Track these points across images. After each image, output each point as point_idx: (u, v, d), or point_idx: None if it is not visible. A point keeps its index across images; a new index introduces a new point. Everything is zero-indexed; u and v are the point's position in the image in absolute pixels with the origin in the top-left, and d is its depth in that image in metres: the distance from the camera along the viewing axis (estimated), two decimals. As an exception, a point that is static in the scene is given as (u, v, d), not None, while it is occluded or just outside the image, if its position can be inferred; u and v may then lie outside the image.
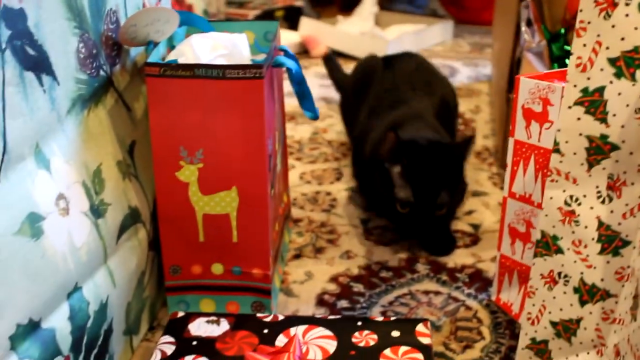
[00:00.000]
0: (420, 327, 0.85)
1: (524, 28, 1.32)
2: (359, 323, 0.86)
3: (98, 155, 0.80)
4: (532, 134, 0.88)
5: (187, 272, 0.94)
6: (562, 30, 1.35)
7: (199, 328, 0.85)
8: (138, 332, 0.90)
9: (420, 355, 0.80)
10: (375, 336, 0.83)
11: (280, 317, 0.87)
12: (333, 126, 1.66)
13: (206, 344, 0.82)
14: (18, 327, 0.64)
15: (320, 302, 1.00)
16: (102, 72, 0.82)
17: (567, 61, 1.33)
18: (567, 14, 1.34)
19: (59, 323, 0.71)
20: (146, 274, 0.90)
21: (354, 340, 0.82)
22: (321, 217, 1.24)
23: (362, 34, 2.28)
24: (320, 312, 0.97)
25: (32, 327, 0.66)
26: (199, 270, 0.94)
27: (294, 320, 0.87)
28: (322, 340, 0.82)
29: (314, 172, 1.42)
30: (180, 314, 0.88)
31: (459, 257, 1.11)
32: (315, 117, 0.98)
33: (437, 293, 1.02)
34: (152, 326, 0.94)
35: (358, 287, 1.03)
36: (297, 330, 0.84)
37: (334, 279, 1.05)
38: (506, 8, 1.44)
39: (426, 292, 1.02)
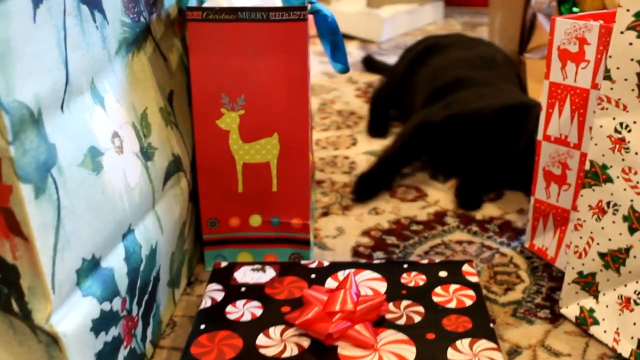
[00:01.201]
0: (466, 267, 0.85)
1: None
2: (405, 266, 0.86)
3: (143, 99, 0.79)
4: (568, 75, 0.89)
5: (225, 225, 0.93)
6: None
7: (245, 276, 0.85)
8: (179, 285, 0.89)
9: (471, 292, 0.80)
10: (423, 276, 0.83)
11: (326, 263, 0.87)
12: (339, 97, 1.66)
13: (255, 290, 0.82)
14: (83, 261, 0.63)
15: (356, 253, 1.00)
16: (142, 19, 0.81)
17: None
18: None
19: (116, 263, 0.70)
20: (187, 226, 0.90)
21: (403, 281, 0.83)
22: (343, 179, 1.24)
23: (357, 13, 2.28)
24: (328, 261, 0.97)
25: (94, 265, 0.65)
26: (237, 223, 0.94)
27: (340, 265, 0.87)
28: (371, 282, 0.82)
29: (328, 139, 1.42)
30: (224, 263, 0.88)
31: (486, 210, 1.12)
32: (346, 70, 0.98)
33: (470, 242, 1.02)
34: (190, 281, 0.94)
35: (391, 240, 1.03)
36: (345, 273, 0.84)
37: (365, 233, 1.05)
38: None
39: (459, 242, 1.02)
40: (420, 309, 0.77)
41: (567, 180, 0.93)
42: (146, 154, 0.77)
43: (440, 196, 1.16)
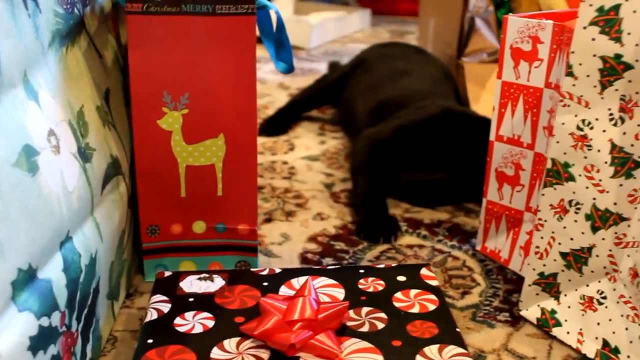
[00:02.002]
0: (424, 271, 0.82)
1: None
2: (361, 271, 0.82)
3: (79, 96, 0.72)
4: (521, 74, 0.88)
5: (166, 232, 0.87)
6: (505, -2, 1.37)
7: (192, 285, 0.79)
8: (118, 298, 0.82)
9: (432, 296, 0.77)
10: (381, 282, 0.80)
11: (278, 270, 0.82)
12: (272, 103, 1.61)
13: (204, 300, 0.76)
14: (19, 272, 0.56)
15: (305, 260, 0.95)
16: (76, 10, 0.74)
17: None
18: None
19: (54, 274, 0.63)
20: (126, 233, 0.83)
21: (360, 286, 0.79)
22: (283, 184, 1.19)
23: (286, 20, 2.24)
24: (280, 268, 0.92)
25: (30, 276, 0.58)
26: (179, 230, 0.87)
27: (293, 272, 0.82)
28: (328, 289, 0.78)
29: (265, 144, 1.37)
30: (168, 273, 0.81)
31: (434, 214, 1.10)
32: (291, 69, 0.94)
33: (420, 246, 1.00)
34: (129, 293, 0.87)
35: (339, 245, 0.99)
36: (299, 280, 0.79)
37: (312, 239, 1.01)
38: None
39: (410, 246, 1.00)
40: (383, 315, 0.73)
41: (520, 180, 0.92)
42: (84, 154, 0.70)
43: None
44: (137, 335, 0.74)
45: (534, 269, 0.80)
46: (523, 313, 0.83)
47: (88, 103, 0.74)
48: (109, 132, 0.79)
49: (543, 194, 0.77)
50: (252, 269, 0.83)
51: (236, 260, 0.90)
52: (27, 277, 0.58)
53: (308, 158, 1.30)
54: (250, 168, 0.85)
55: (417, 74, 1.31)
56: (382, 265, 0.84)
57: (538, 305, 0.82)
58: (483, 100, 1.33)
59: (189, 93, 0.80)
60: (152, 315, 0.73)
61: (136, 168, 0.83)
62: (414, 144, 1.12)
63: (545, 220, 0.78)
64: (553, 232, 0.77)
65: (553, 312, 0.79)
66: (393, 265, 0.84)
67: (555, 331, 0.79)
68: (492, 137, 0.93)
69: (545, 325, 0.80)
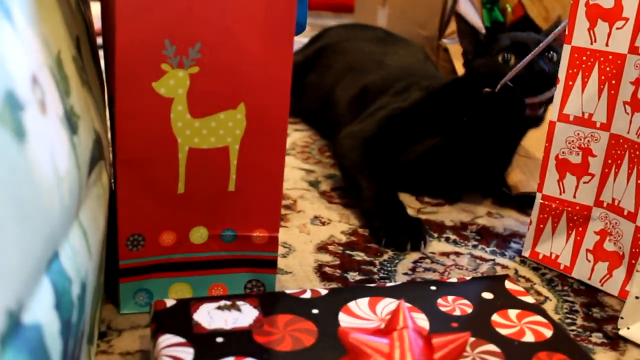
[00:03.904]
0: (510, 285, 0.63)
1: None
2: (433, 287, 0.61)
3: (54, 36, 0.47)
4: (599, 37, 0.72)
5: (153, 244, 0.62)
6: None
7: (213, 319, 0.55)
8: (93, 340, 0.56)
9: (539, 318, 0.58)
10: (466, 301, 0.60)
11: (323, 292, 0.60)
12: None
13: (239, 339, 0.52)
14: (9, 316, 0.31)
15: (324, 276, 0.73)
16: None
17: (496, 7, 1.21)
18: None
19: (44, 314, 0.38)
20: (104, 247, 0.57)
21: (442, 309, 0.58)
22: (258, 183, 0.96)
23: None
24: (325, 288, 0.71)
25: (16, 320, 0.33)
26: (171, 240, 0.63)
27: (344, 292, 0.60)
28: (403, 314, 0.56)
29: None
30: (170, 302, 0.57)
31: (452, 215, 0.92)
32: (301, 29, 0.72)
33: (457, 254, 0.80)
34: (102, 331, 0.61)
35: (359, 255, 0.78)
36: (358, 303, 0.58)
37: (321, 249, 0.79)
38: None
39: (444, 254, 0.80)
40: (494, 347, 0.53)
41: (589, 169, 0.75)
42: (71, 122, 0.45)
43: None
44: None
45: (645, 277, 0.63)
46: (623, 332, 0.66)
47: (64, 49, 0.49)
48: (88, 95, 0.53)
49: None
50: (287, 292, 0.60)
51: (246, 279, 0.66)
52: (13, 323, 0.33)
53: (298, 168, 1.07)
54: (277, 153, 0.62)
55: (399, 55, 1.12)
56: (454, 280, 0.64)
57: (645, 323, 0.65)
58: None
59: (201, 43, 0.56)
60: (169, 366, 0.49)
61: (116, 151, 0.58)
62: (403, 130, 0.94)
63: (670, 214, 0.61)
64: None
65: (676, 331, 0.63)
66: (467, 278, 0.64)
67: (685, 355, 0.62)
68: (553, 117, 0.76)
69: (667, 348, 0.63)
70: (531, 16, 1.17)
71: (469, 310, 0.58)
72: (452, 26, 1.21)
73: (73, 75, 0.49)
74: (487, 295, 0.61)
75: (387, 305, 0.58)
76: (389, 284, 0.62)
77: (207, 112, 0.59)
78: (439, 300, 0.59)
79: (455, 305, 0.59)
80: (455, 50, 1.19)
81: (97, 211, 0.52)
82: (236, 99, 0.59)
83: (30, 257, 0.35)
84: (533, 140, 0.96)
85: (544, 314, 0.59)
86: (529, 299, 0.61)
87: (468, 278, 0.64)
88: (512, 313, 0.58)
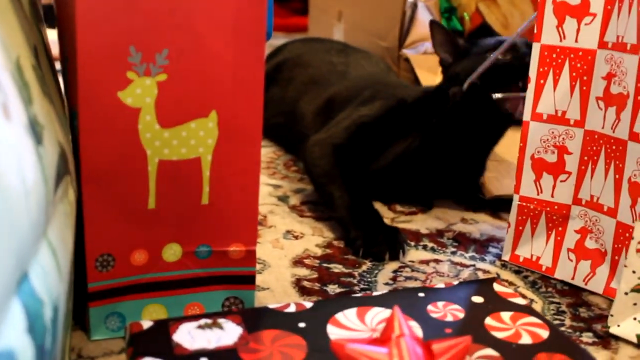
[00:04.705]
0: (498, 287, 0.61)
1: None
2: (421, 294, 0.59)
3: (12, 39, 0.44)
4: (567, 34, 0.71)
5: (124, 264, 0.58)
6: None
7: (194, 338, 0.51)
8: (63, 371, 0.52)
9: (533, 319, 0.56)
10: (457, 306, 0.57)
11: (308, 304, 0.57)
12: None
13: (225, 358, 0.49)
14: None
15: (303, 290, 0.70)
16: None
17: (454, 16, 1.21)
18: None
19: (16, 338, 0.34)
20: (72, 267, 0.53)
21: (434, 315, 0.56)
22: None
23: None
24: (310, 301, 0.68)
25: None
26: (143, 259, 0.59)
27: (330, 304, 0.57)
28: (393, 323, 0.54)
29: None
30: (146, 324, 0.53)
31: (427, 222, 0.90)
32: (268, 37, 0.69)
33: (437, 261, 0.78)
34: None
35: (337, 267, 0.76)
36: (346, 314, 0.55)
37: (297, 262, 0.76)
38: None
39: (424, 262, 0.78)
40: (491, 351, 0.51)
41: (565, 167, 0.74)
42: (35, 131, 0.42)
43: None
44: None
45: (634, 272, 0.62)
46: (614, 330, 0.64)
47: (23, 56, 0.45)
48: (50, 106, 0.50)
49: (654, 172, 0.59)
50: (270, 306, 0.57)
51: (223, 297, 0.63)
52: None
53: (269, 185, 1.03)
54: (252, 162, 0.59)
55: (361, 65, 1.11)
56: (442, 285, 0.61)
57: (635, 319, 0.63)
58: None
59: (168, 49, 0.53)
60: (151, 392, 0.45)
61: (81, 167, 0.55)
62: (373, 137, 0.93)
63: (654, 207, 0.60)
64: (664, 221, 0.60)
65: (667, 325, 0.62)
66: (455, 283, 0.62)
67: (677, 349, 0.61)
68: (526, 116, 0.75)
69: (657, 342, 0.62)
70: (489, 23, 1.18)
71: (461, 315, 0.56)
72: (413, 36, 1.20)
73: (34, 84, 0.46)
74: (477, 299, 0.59)
75: (376, 314, 0.55)
76: (375, 293, 0.60)
77: (177, 121, 0.56)
78: (429, 307, 0.57)
79: (447, 311, 0.57)
80: (417, 59, 1.18)
81: (65, 230, 0.48)
82: (207, 107, 0.56)
83: (1, 277, 0.31)
84: (502, 144, 0.95)
85: (537, 314, 0.57)
86: (520, 301, 0.59)
87: (455, 283, 0.62)
88: (505, 315, 0.57)
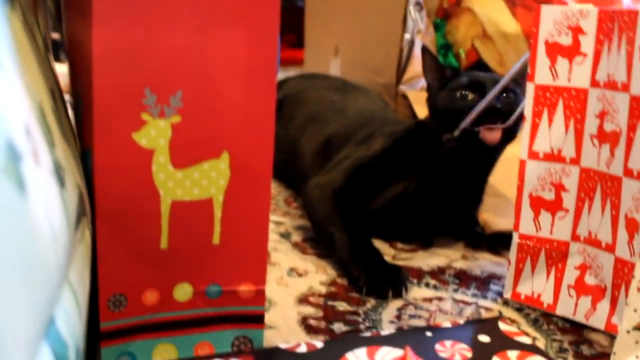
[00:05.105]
0: (504, 326, 0.62)
1: (413, 13, 1.20)
2: (429, 333, 0.60)
3: (34, 84, 0.45)
4: (560, 74, 0.74)
5: (136, 304, 0.59)
6: (438, 20, 1.26)
7: (207, 379, 0.52)
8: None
9: (540, 358, 0.57)
10: (464, 345, 0.58)
11: (319, 344, 0.57)
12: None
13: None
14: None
15: (310, 329, 0.71)
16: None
17: (450, 53, 1.23)
18: (444, 1, 1.25)
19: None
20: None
21: (442, 355, 0.57)
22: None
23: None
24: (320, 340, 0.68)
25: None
26: (155, 298, 0.60)
27: (339, 343, 0.58)
28: (404, 362, 0.55)
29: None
30: (159, 365, 0.54)
31: (428, 259, 0.91)
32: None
33: (439, 299, 0.79)
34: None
35: (341, 305, 0.76)
36: (357, 354, 0.56)
37: (303, 301, 0.77)
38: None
39: (427, 300, 0.79)
40: (501, 391, 0.52)
41: (563, 205, 0.76)
42: (59, 175, 0.43)
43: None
44: None
45: (635, 310, 0.63)
46: (617, 367, 0.65)
47: (44, 99, 0.47)
48: (68, 148, 0.51)
49: (654, 211, 0.61)
50: (281, 346, 0.58)
51: (233, 336, 0.63)
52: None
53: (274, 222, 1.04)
54: (262, 202, 0.60)
55: (359, 102, 1.13)
56: (448, 324, 0.62)
57: (637, 357, 0.64)
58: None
59: (182, 91, 0.55)
60: None
61: (96, 207, 0.55)
62: (371, 178, 0.95)
63: (655, 245, 0.62)
64: (665, 259, 0.61)
65: (670, 361, 0.63)
66: (461, 322, 0.63)
67: (680, 387, 0.62)
68: (523, 155, 0.77)
69: (662, 380, 0.63)
70: (485, 60, 1.20)
71: (469, 354, 0.57)
72: (410, 72, 1.23)
73: (54, 126, 0.47)
74: (484, 338, 0.60)
75: (386, 354, 0.56)
76: (383, 333, 0.60)
77: (190, 162, 0.57)
78: (437, 346, 0.58)
79: (454, 350, 0.57)
80: (415, 96, 1.20)
81: (84, 271, 0.49)
82: (219, 148, 0.57)
83: (35, 323, 0.32)
84: (500, 178, 0.96)
85: (543, 353, 0.58)
86: (526, 339, 0.60)
87: (461, 322, 0.63)
88: (512, 354, 0.57)
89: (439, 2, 1.23)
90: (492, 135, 0.86)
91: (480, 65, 1.20)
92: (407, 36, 1.21)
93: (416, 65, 1.21)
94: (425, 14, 1.21)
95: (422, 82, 1.22)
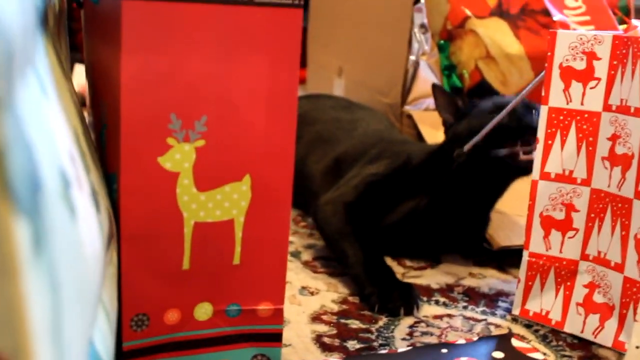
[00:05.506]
0: (517, 343, 0.64)
1: (418, 35, 1.22)
2: (444, 350, 0.61)
3: (69, 109, 0.46)
4: (573, 97, 0.75)
5: (158, 323, 0.60)
6: (442, 42, 1.28)
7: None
8: None
9: (554, 373, 0.58)
10: (480, 361, 0.60)
11: (337, 361, 0.59)
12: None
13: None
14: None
15: (325, 346, 0.72)
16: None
17: (454, 74, 1.26)
18: (448, 23, 1.27)
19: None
20: (112, 328, 0.55)
21: (459, 371, 0.58)
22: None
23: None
24: (337, 357, 0.70)
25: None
26: (176, 318, 0.61)
27: (358, 361, 0.59)
28: (421, 379, 0.56)
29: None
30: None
31: (437, 277, 0.92)
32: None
33: (449, 316, 0.81)
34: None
35: (354, 323, 0.78)
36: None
37: (316, 319, 0.78)
38: (395, 13, 1.31)
39: (437, 317, 0.80)
40: (519, 407, 0.53)
41: (573, 224, 0.78)
42: (95, 199, 0.44)
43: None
44: None
45: (646, 326, 0.65)
46: (627, 384, 0.67)
47: (77, 124, 0.48)
48: (98, 173, 0.52)
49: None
50: (301, 364, 0.59)
51: (251, 354, 0.64)
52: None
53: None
54: (282, 223, 0.62)
55: (366, 122, 1.15)
56: (462, 341, 0.64)
57: (647, 372, 0.66)
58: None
59: (206, 117, 0.56)
60: None
61: (121, 229, 0.57)
62: (382, 195, 0.96)
63: (665, 263, 0.63)
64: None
65: (682, 377, 0.64)
66: (475, 339, 0.64)
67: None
68: (535, 175, 0.79)
69: (674, 395, 0.64)
70: (488, 81, 1.23)
71: (485, 370, 0.58)
72: (414, 93, 1.25)
73: (87, 151, 0.48)
74: (498, 354, 0.61)
75: (404, 371, 0.57)
76: (400, 350, 0.62)
77: (213, 185, 0.58)
78: (454, 363, 0.59)
79: (471, 367, 0.59)
80: (420, 116, 1.22)
81: (113, 291, 0.50)
82: (241, 171, 0.59)
83: (84, 342, 0.33)
84: (503, 200, 0.98)
85: (557, 369, 0.59)
86: (539, 356, 0.62)
87: (475, 339, 0.64)
88: (527, 370, 0.59)
89: (443, 24, 1.25)
90: (531, 156, 0.84)
91: (483, 85, 1.22)
92: (412, 58, 1.23)
93: (420, 85, 1.23)
94: (429, 36, 1.24)
95: (427, 103, 1.25)
